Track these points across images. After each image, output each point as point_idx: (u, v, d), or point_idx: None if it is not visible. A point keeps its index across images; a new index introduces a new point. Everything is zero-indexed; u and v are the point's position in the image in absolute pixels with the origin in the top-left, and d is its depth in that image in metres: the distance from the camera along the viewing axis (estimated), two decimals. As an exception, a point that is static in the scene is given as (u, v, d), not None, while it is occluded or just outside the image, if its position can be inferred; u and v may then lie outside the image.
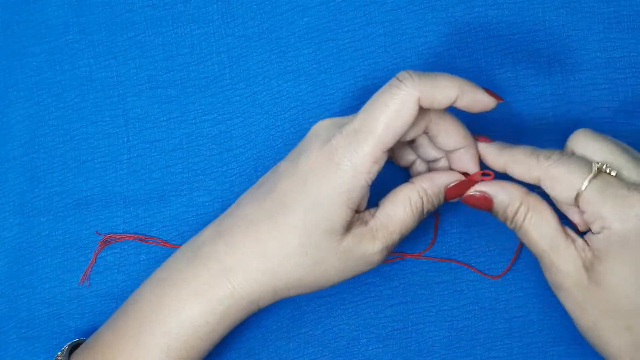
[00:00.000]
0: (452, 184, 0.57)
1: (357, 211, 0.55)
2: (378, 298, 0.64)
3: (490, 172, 0.57)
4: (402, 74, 0.53)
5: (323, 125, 0.55)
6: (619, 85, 0.64)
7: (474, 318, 0.63)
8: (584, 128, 0.56)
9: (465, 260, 0.63)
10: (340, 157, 0.53)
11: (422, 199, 0.55)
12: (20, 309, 0.64)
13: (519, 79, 0.64)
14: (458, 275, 0.63)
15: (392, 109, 0.52)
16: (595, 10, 0.64)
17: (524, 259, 0.63)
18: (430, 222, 0.64)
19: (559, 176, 0.54)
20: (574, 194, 0.53)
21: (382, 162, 0.53)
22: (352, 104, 0.65)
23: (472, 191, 0.56)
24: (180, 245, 0.64)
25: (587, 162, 0.54)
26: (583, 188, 0.53)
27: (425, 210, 0.56)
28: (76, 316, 0.64)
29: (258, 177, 0.64)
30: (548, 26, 0.64)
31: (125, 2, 0.66)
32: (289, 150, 0.64)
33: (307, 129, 0.64)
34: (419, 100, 0.52)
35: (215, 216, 0.64)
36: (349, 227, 0.54)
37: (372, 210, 0.56)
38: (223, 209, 0.64)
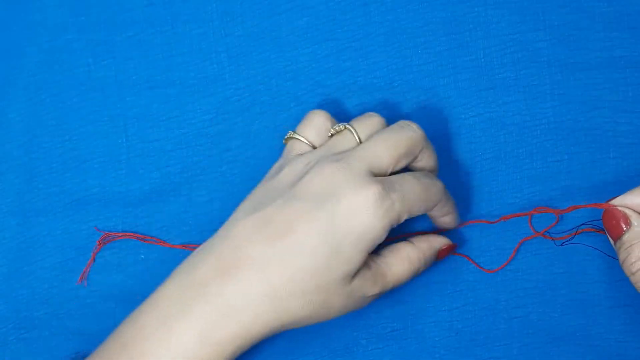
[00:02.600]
0: (444, 247, 0.61)
1: None
2: (377, 298, 0.63)
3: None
4: (435, 161, 0.60)
5: (346, 172, 0.55)
6: (619, 85, 0.64)
7: (474, 318, 0.63)
8: None
9: (464, 260, 0.63)
10: (374, 208, 0.54)
11: (420, 260, 0.59)
12: (20, 309, 0.64)
13: (519, 78, 0.64)
14: (458, 276, 0.63)
15: (428, 197, 0.58)
16: (596, 10, 0.64)
17: (523, 259, 0.63)
18: (431, 223, 0.64)
19: None
20: None
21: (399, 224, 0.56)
22: (352, 103, 0.65)
23: (616, 207, 0.57)
24: (179, 245, 0.64)
25: None
26: None
27: (421, 270, 0.59)
28: (75, 316, 0.64)
29: (258, 177, 0.64)
30: (548, 25, 0.64)
31: (124, 1, 0.66)
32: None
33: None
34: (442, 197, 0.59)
35: (215, 216, 0.64)
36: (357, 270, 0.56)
37: (372, 255, 0.57)
38: (222, 209, 0.64)
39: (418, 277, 0.63)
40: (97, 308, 0.64)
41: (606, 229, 0.57)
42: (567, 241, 0.63)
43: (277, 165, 0.59)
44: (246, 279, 0.53)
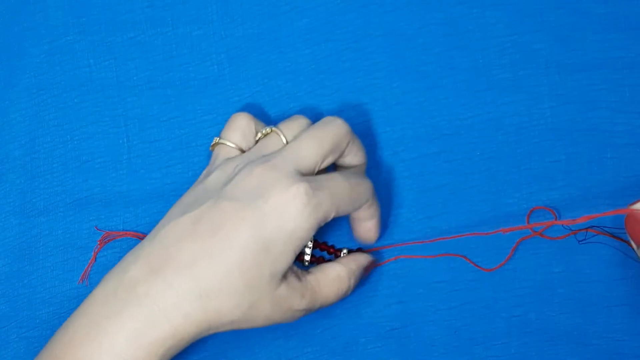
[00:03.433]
0: (369, 264, 0.62)
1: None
2: (377, 297, 0.64)
3: None
4: (361, 154, 0.60)
5: (275, 172, 0.55)
6: (617, 86, 0.64)
7: (472, 317, 0.63)
8: None
9: (462, 259, 0.64)
10: (302, 205, 0.54)
11: (350, 279, 0.60)
12: (21, 308, 0.64)
13: (517, 79, 0.64)
14: (456, 275, 0.64)
15: (355, 190, 0.58)
16: (593, 11, 0.64)
17: (522, 258, 0.63)
18: (429, 222, 0.64)
19: None
20: None
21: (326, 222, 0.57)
22: (351, 104, 0.65)
23: None
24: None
25: None
26: None
27: (350, 290, 0.60)
28: (76, 316, 0.64)
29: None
30: (546, 27, 0.64)
31: (125, 2, 0.66)
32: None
33: (306, 129, 0.65)
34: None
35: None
36: (285, 275, 0.56)
37: (303, 271, 0.59)
38: (222, 208, 0.64)
39: (417, 277, 0.64)
40: (98, 307, 0.64)
41: (629, 234, 0.57)
42: (586, 239, 0.63)
43: (205, 171, 0.60)
44: (175, 278, 0.53)
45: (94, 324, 0.54)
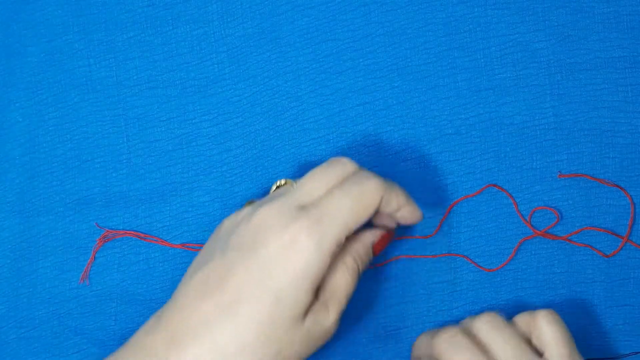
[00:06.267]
0: (378, 239, 0.58)
1: None
2: (377, 298, 0.64)
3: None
4: (368, 174, 0.55)
5: (273, 213, 0.53)
6: (618, 85, 0.64)
7: (474, 318, 0.63)
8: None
9: (464, 260, 0.64)
10: (306, 242, 0.52)
11: (356, 261, 0.56)
12: (20, 308, 0.64)
13: (518, 78, 0.64)
14: (457, 276, 0.64)
15: (361, 204, 0.54)
16: (595, 10, 0.64)
17: (523, 258, 0.63)
18: (430, 222, 0.64)
19: None
20: None
21: (342, 244, 0.54)
22: (351, 104, 0.65)
23: None
24: (179, 245, 0.64)
25: None
26: None
27: (360, 271, 0.57)
28: (76, 315, 0.64)
29: (258, 177, 0.65)
30: (548, 26, 0.64)
31: (125, 1, 0.66)
32: (289, 150, 0.64)
33: (306, 129, 0.65)
34: (381, 200, 0.55)
35: (215, 216, 0.64)
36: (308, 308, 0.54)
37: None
38: (222, 209, 0.64)
39: (418, 277, 0.63)
40: (97, 307, 0.64)
41: None
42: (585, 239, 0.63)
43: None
44: (195, 348, 0.52)
45: None
